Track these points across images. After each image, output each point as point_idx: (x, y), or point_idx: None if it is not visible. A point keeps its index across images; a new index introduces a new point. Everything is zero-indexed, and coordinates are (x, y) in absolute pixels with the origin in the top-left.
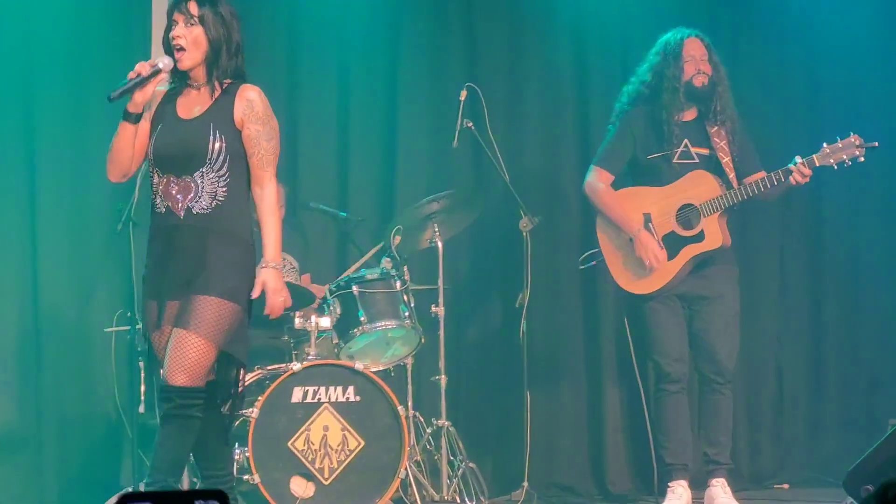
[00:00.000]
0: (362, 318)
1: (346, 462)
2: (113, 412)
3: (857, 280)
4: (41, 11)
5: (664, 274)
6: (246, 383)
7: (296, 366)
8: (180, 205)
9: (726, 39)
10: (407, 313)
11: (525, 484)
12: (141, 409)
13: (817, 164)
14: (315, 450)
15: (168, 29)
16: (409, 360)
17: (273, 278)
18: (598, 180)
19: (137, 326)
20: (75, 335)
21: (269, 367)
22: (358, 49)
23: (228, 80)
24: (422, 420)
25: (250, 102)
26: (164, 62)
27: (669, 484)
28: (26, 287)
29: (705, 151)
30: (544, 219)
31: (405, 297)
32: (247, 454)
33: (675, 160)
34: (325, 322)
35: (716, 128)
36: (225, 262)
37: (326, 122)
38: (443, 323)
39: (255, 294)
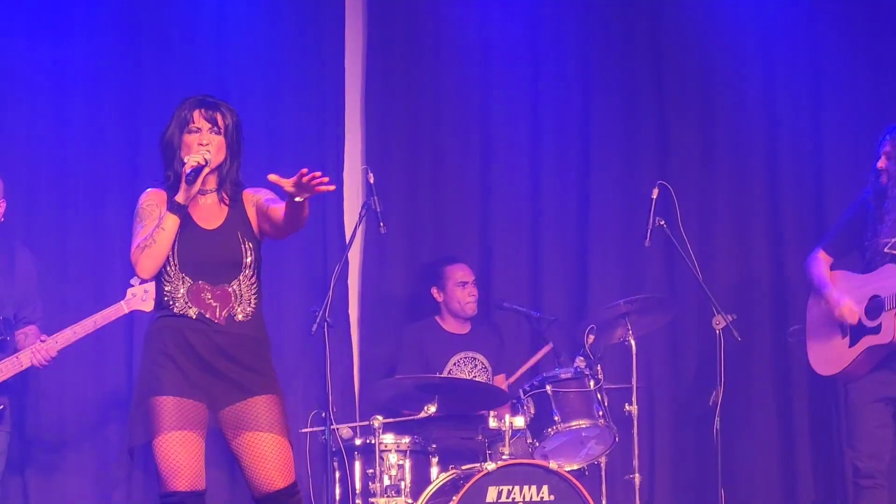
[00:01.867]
0: (556, 418)
1: None
2: None
3: None
4: (235, 22)
5: (842, 359)
6: (440, 483)
7: (490, 465)
8: (219, 312)
9: None
10: (601, 412)
11: None
12: None
13: None
14: None
15: (184, 124)
16: (604, 459)
17: None
18: (819, 260)
19: (332, 427)
20: None
21: (463, 467)
22: (549, 148)
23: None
24: None
25: (256, 197)
26: (206, 157)
27: None
28: None
29: None
30: (738, 316)
31: (599, 396)
32: None
33: (885, 250)
34: (519, 422)
35: None
36: (269, 364)
37: (518, 222)
38: (636, 421)
39: None
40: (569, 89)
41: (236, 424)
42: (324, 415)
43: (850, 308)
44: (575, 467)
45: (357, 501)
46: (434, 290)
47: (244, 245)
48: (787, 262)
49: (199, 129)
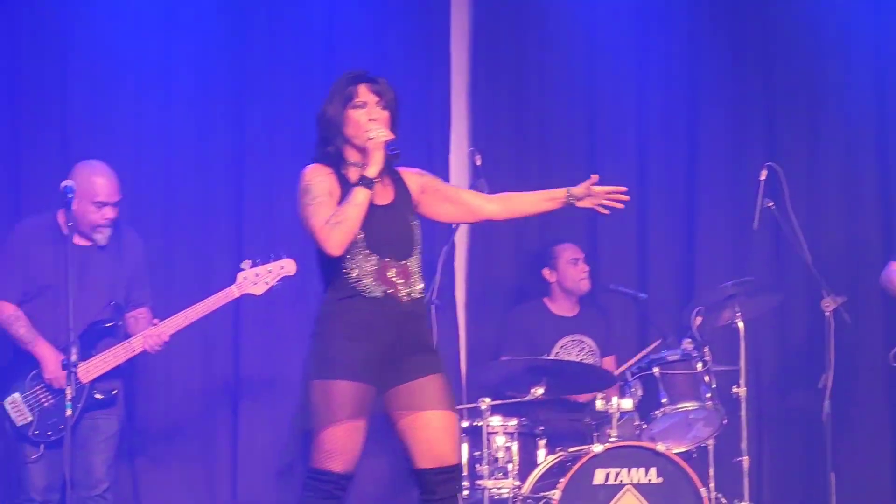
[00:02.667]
0: (664, 400)
1: None
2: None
3: None
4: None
5: None
6: (548, 465)
7: (598, 447)
8: (403, 290)
9: None
10: (709, 394)
11: None
12: None
13: None
14: None
15: (349, 99)
16: (711, 442)
17: None
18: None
19: None
20: (377, 425)
21: (570, 449)
22: (656, 131)
23: None
24: (724, 502)
25: (420, 177)
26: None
27: None
28: None
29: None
30: (848, 298)
31: (706, 378)
32: None
33: None
34: (627, 404)
35: None
36: (433, 342)
37: (625, 205)
38: (744, 403)
39: None
40: (676, 72)
41: (411, 403)
42: None
43: None
44: (683, 450)
45: (464, 483)
46: (546, 271)
47: (413, 221)
48: None
49: (365, 102)
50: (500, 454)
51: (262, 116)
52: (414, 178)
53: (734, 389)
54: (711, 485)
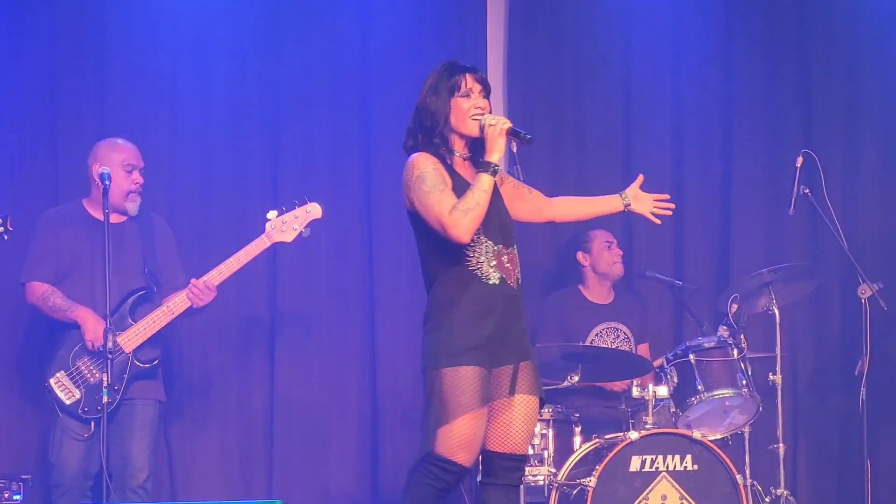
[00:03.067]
0: (699, 387)
1: None
2: None
3: None
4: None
5: None
6: (583, 452)
7: (633, 435)
8: (512, 276)
9: None
10: (744, 381)
11: None
12: (479, 478)
13: None
14: None
15: (455, 88)
16: (747, 429)
17: None
18: None
19: None
20: (413, 403)
21: (606, 436)
22: (692, 118)
23: None
24: (760, 489)
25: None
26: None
27: None
28: (364, 353)
29: None
30: (884, 285)
31: (742, 366)
32: None
33: None
34: (663, 391)
35: None
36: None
37: (660, 187)
38: (780, 391)
39: None
40: (711, 57)
41: (501, 385)
42: None
43: None
44: (718, 437)
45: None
46: (580, 255)
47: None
48: None
49: (471, 90)
50: (536, 441)
51: (298, 107)
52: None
53: (770, 377)
54: (747, 472)
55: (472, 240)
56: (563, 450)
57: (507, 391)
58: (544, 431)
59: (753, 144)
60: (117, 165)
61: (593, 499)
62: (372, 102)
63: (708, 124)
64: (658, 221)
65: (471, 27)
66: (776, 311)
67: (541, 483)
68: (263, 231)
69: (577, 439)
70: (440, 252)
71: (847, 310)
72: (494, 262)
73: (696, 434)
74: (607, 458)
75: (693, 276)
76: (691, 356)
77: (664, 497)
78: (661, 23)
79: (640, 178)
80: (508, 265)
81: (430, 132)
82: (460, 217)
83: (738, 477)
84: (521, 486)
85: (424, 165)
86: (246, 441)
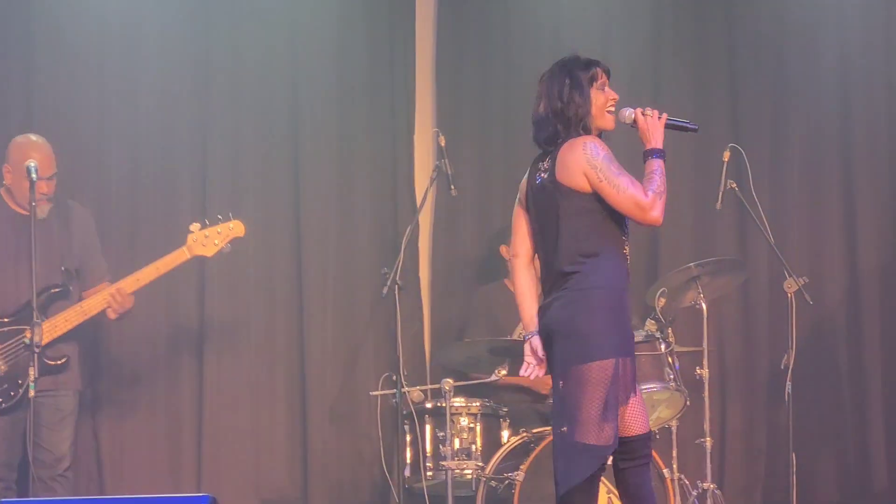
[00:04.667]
0: None
1: None
2: (378, 476)
3: None
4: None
5: None
6: (511, 446)
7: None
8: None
9: None
10: (672, 375)
11: None
12: (406, 472)
13: None
14: None
15: (593, 80)
16: (674, 423)
17: None
18: None
19: (403, 389)
20: (341, 399)
21: (534, 430)
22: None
23: None
24: (687, 483)
25: None
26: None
27: None
28: (293, 351)
29: None
30: (810, 279)
31: (670, 360)
32: None
33: None
34: None
35: None
36: None
37: None
38: (707, 385)
39: None
40: (640, 55)
41: None
42: (394, 378)
43: None
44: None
45: (428, 464)
46: (503, 249)
47: None
48: (861, 223)
49: (605, 83)
50: (464, 435)
51: (227, 91)
52: None
53: (697, 371)
54: (674, 466)
55: (626, 233)
56: (491, 444)
57: None
58: (472, 425)
59: (681, 140)
60: (21, 176)
61: (521, 493)
62: (301, 100)
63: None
64: None
65: (400, 25)
66: (704, 306)
67: (469, 477)
68: (185, 242)
69: (505, 433)
70: (607, 241)
71: (774, 304)
72: (628, 255)
73: None
74: (535, 452)
75: None
76: None
77: None
78: (590, 21)
79: None
80: (628, 254)
81: (574, 123)
82: (660, 200)
83: (665, 471)
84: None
85: (601, 148)
86: (175, 436)
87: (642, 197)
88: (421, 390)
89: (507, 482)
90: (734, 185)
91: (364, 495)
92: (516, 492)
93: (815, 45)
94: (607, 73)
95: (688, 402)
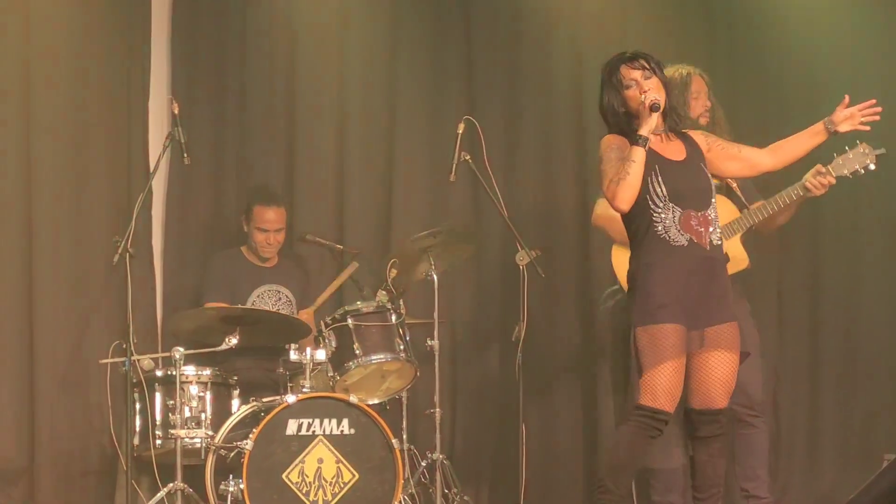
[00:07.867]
0: (357, 351)
1: (341, 495)
2: (108, 444)
3: (854, 311)
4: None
5: None
6: (241, 415)
7: (290, 398)
8: (705, 238)
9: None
10: (402, 347)
11: None
12: (135, 440)
13: (834, 175)
14: (309, 482)
15: (619, 86)
16: (405, 394)
17: None
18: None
19: (133, 357)
20: (70, 367)
21: (263, 399)
22: (356, 82)
23: None
24: (416, 453)
25: (706, 139)
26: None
27: None
28: (22, 318)
29: (716, 180)
30: (542, 252)
31: (401, 331)
32: (241, 486)
33: None
34: (321, 355)
35: None
36: (730, 287)
37: (324, 153)
38: (438, 356)
39: None
40: (377, 29)
41: (711, 342)
42: (124, 346)
43: None
44: (376, 401)
45: (157, 433)
46: (243, 219)
47: (707, 173)
48: (592, 198)
49: (633, 81)
50: (194, 403)
51: None
52: (701, 139)
53: (428, 342)
54: (404, 436)
55: (659, 206)
56: (221, 412)
57: (706, 351)
58: (202, 394)
59: (416, 110)
60: None
61: (249, 462)
62: (34, 63)
63: (372, 91)
64: (867, 128)
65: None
66: (435, 277)
67: (198, 446)
68: None
69: (235, 402)
70: (634, 221)
71: (506, 276)
72: (682, 226)
73: (354, 398)
74: (264, 422)
75: (354, 240)
76: (350, 320)
77: (320, 460)
78: None
79: (847, 98)
80: (700, 227)
81: (624, 121)
82: (613, 187)
83: (395, 441)
84: (723, 438)
85: (605, 146)
86: None
87: (605, 188)
88: (151, 358)
89: (236, 451)
90: (468, 158)
91: (93, 464)
92: (245, 460)
93: (548, 17)
94: (636, 67)
95: (418, 374)
